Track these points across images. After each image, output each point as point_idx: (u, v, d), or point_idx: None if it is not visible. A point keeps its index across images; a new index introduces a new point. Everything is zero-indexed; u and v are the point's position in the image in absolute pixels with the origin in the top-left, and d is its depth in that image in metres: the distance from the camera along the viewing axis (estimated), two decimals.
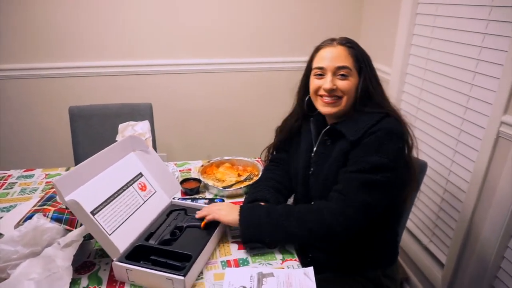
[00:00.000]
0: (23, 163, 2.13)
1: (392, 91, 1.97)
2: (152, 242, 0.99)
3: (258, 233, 1.00)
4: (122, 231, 0.97)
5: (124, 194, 1.04)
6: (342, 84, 1.03)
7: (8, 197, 1.30)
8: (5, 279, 0.88)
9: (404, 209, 1.26)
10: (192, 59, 2.27)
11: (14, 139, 2.26)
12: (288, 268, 0.97)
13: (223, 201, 1.26)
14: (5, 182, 1.40)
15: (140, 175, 1.12)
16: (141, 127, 1.26)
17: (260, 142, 2.45)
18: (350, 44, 1.05)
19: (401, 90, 1.94)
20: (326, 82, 1.03)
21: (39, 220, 0.94)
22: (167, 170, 1.18)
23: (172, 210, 1.13)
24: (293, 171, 1.21)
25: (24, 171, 1.48)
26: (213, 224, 1.04)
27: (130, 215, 1.02)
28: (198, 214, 1.07)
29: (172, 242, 0.99)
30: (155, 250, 0.96)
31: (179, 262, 0.91)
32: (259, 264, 0.98)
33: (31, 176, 1.45)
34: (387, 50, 2.03)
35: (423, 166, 1.25)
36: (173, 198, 1.19)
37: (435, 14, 1.63)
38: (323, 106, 1.07)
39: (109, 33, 2.13)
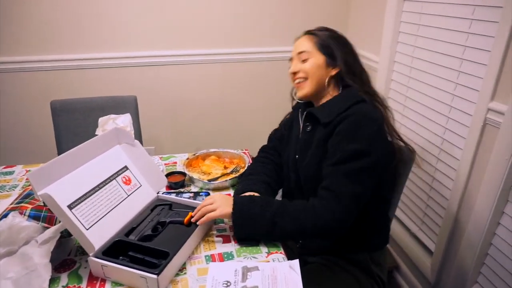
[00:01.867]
0: (3, 159, 2.08)
1: (380, 80, 1.95)
2: (132, 237, 0.97)
3: (252, 232, 0.99)
4: (101, 226, 0.94)
5: (106, 188, 1.01)
6: (302, 66, 1.10)
7: None
8: None
9: (394, 193, 1.27)
10: (177, 50, 2.22)
11: None
12: (273, 261, 0.95)
13: (208, 194, 1.23)
14: None
15: (125, 168, 1.10)
16: (122, 121, 1.23)
17: (248, 132, 2.47)
18: (312, 32, 1.12)
19: (390, 79, 1.92)
20: (292, 66, 1.13)
21: (15, 219, 0.91)
22: (154, 163, 1.15)
23: (157, 204, 1.10)
24: (285, 159, 1.23)
25: (4, 168, 1.44)
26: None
27: (111, 210, 0.99)
28: (194, 218, 1.01)
29: (153, 238, 0.97)
30: (134, 246, 0.94)
31: (157, 259, 0.89)
32: (244, 258, 0.96)
33: (11, 173, 1.41)
34: (375, 38, 2.00)
35: (411, 153, 1.23)
36: (158, 193, 1.17)
37: (422, 0, 1.60)
38: (296, 90, 1.16)
39: (91, 25, 2.07)
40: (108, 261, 0.88)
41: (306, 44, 1.10)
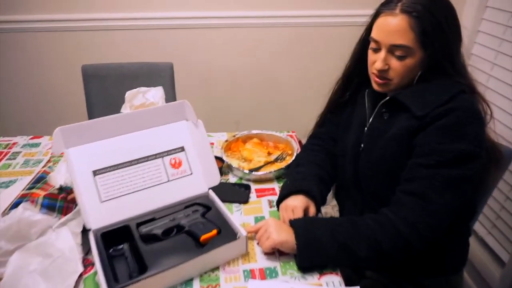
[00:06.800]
0: (31, 128, 1.99)
1: None
2: (143, 229, 0.85)
3: (319, 260, 0.80)
4: (118, 203, 0.86)
5: (146, 164, 0.91)
6: (396, 65, 0.85)
7: (10, 169, 1.16)
8: None
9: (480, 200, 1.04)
10: (220, 12, 1.97)
11: (21, 102, 2.09)
12: (327, 285, 0.77)
13: (249, 187, 1.06)
14: (9, 151, 1.26)
15: (181, 149, 0.95)
16: (153, 95, 1.06)
17: (296, 109, 2.23)
18: (416, 13, 0.80)
19: (469, 53, 1.60)
20: (378, 60, 0.86)
21: (24, 212, 0.79)
22: (211, 153, 0.97)
23: (196, 202, 0.93)
24: (341, 148, 1.03)
25: (31, 139, 1.34)
26: (215, 244, 0.81)
27: (140, 190, 0.89)
28: (250, 229, 0.88)
29: (157, 241, 0.83)
30: (133, 240, 0.83)
31: (140, 267, 0.77)
32: (291, 277, 0.78)
33: (37, 145, 1.30)
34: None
35: (508, 155, 0.98)
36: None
37: None
38: (374, 83, 0.92)
39: None
40: (97, 249, 0.79)
41: (407, 36, 0.81)
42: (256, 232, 0.88)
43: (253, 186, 1.07)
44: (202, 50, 2.07)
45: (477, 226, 1.57)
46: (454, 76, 0.85)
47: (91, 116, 1.67)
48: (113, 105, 1.64)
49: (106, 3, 1.90)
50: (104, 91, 1.66)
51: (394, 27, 0.81)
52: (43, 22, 1.90)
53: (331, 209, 2.06)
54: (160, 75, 1.67)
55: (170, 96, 1.69)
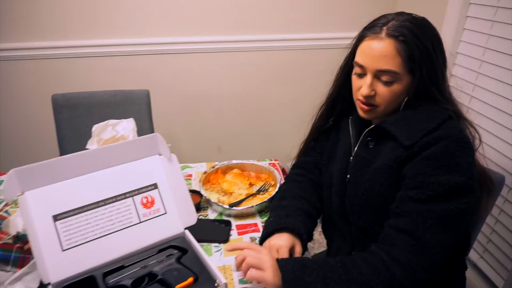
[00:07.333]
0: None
1: None
2: (110, 280, 0.75)
3: None
4: (82, 251, 0.77)
5: (115, 205, 0.83)
6: (383, 91, 0.81)
7: None
8: None
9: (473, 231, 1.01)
10: (198, 36, 1.94)
11: None
12: None
13: (230, 223, 0.98)
14: None
15: (154, 186, 0.88)
16: (124, 128, 0.98)
17: (279, 133, 2.18)
18: (403, 37, 0.77)
19: (449, 73, 1.59)
20: (364, 86, 0.82)
21: None
22: (186, 189, 0.90)
23: (171, 245, 0.85)
24: (326, 178, 0.97)
25: None
26: None
27: (108, 234, 0.80)
28: (238, 261, 0.78)
29: None
30: None
31: None
32: None
33: None
34: (433, 22, 1.67)
35: (499, 181, 0.94)
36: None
37: None
38: (359, 109, 0.88)
39: (99, 6, 1.82)
40: None
41: (394, 61, 0.78)
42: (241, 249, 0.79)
43: (234, 222, 0.99)
44: (181, 76, 2.02)
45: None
46: (440, 102, 0.82)
47: (62, 149, 1.58)
48: (86, 137, 1.55)
49: (80, 30, 1.84)
50: (76, 122, 1.57)
51: (380, 51, 0.78)
52: (13, 51, 1.82)
53: (318, 235, 1.99)
54: (136, 103, 1.61)
55: (147, 124, 1.62)
